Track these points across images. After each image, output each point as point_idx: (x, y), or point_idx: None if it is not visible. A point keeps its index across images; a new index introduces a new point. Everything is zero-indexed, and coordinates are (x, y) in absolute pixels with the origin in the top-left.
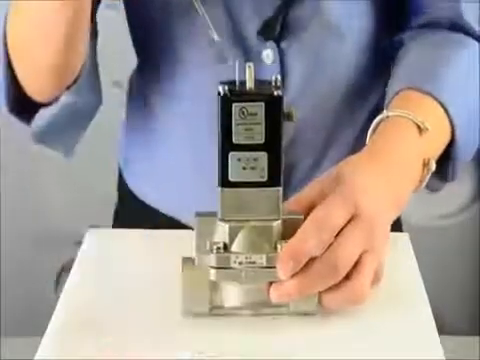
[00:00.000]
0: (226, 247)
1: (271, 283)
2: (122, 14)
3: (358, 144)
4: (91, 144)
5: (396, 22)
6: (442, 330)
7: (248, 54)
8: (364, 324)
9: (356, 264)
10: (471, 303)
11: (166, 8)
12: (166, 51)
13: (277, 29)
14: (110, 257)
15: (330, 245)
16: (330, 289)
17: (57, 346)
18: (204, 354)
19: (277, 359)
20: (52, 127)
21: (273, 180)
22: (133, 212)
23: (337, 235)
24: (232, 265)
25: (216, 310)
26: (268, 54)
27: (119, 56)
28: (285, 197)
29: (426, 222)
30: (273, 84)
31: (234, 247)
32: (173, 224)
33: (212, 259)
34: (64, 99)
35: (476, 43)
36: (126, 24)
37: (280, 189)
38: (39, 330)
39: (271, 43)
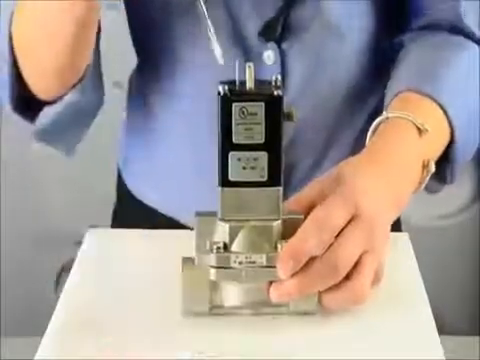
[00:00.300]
0: (226, 247)
1: (271, 283)
2: (122, 14)
3: (358, 145)
4: (91, 144)
5: (396, 23)
6: (442, 330)
7: (249, 55)
8: (364, 324)
9: (356, 264)
10: (471, 303)
11: (166, 8)
12: (166, 51)
13: (278, 30)
14: (110, 257)
15: (330, 245)
16: (330, 289)
17: (57, 346)
18: (204, 354)
19: (277, 359)
20: (56, 125)
21: (273, 180)
22: (132, 212)
23: (337, 235)
24: (232, 265)
25: (216, 310)
26: (269, 55)
27: (119, 56)
28: (285, 197)
29: (426, 222)
30: (273, 84)
31: (234, 247)
32: (172, 224)
33: (212, 259)
34: (68, 98)
35: (476, 46)
36: (126, 24)
37: (280, 189)
38: (39, 330)
39: (272, 44)
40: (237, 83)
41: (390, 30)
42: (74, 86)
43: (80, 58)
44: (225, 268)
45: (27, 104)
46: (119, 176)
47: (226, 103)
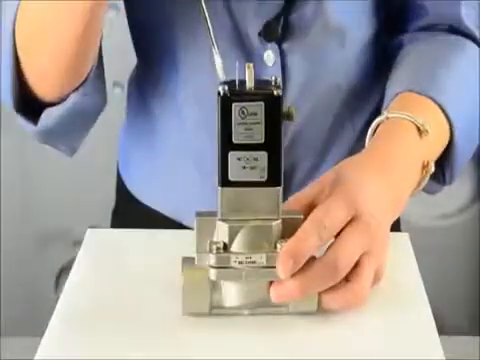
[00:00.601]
0: (226, 247)
1: (271, 283)
2: (122, 14)
3: (358, 145)
4: (91, 144)
5: (396, 24)
6: (442, 330)
7: (249, 55)
8: (364, 324)
9: (356, 266)
10: (471, 303)
11: (166, 10)
12: (166, 52)
13: (279, 30)
14: (110, 257)
15: (330, 246)
16: (330, 289)
17: (57, 346)
18: (204, 354)
19: (277, 359)
20: (59, 127)
21: (273, 180)
22: (132, 212)
23: (337, 236)
24: (232, 265)
25: (216, 310)
26: (269, 55)
27: (119, 56)
28: (285, 197)
29: (426, 222)
30: (273, 84)
31: (234, 247)
32: (171, 225)
33: (212, 259)
34: (72, 99)
35: (476, 47)
36: (126, 24)
37: (280, 189)
38: (39, 330)
39: (272, 44)
40: (237, 83)
41: (391, 32)
42: (78, 88)
43: (85, 59)
44: (225, 268)
45: (30, 106)
46: (119, 176)
47: (226, 103)
